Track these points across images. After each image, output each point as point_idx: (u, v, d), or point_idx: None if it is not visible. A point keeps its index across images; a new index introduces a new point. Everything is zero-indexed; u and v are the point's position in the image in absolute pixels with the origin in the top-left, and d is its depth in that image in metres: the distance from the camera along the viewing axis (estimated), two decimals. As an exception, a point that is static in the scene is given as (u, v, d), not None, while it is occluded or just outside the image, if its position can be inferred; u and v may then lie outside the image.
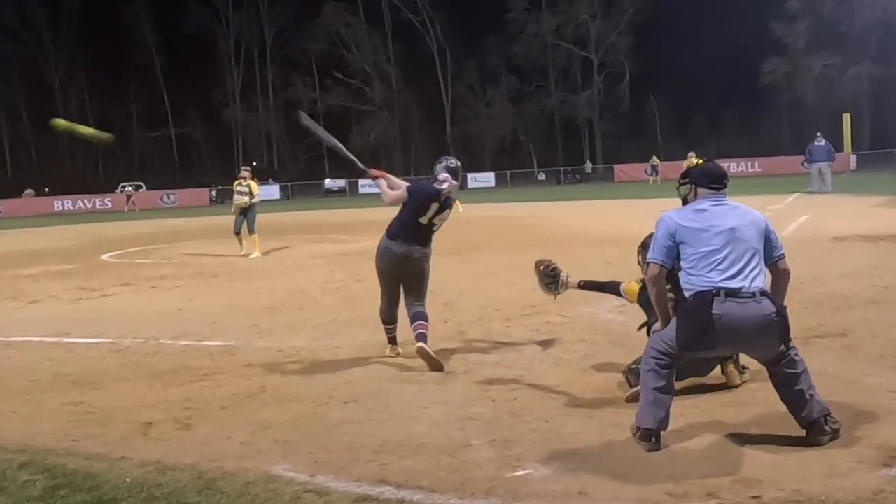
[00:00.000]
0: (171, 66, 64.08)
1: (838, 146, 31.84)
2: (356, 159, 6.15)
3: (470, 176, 51.80)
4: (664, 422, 3.78)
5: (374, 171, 6.15)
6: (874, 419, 4.04)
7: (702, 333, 3.68)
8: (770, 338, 3.72)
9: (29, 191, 52.11)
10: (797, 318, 5.89)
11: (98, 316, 8.63)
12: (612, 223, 17.53)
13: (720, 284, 3.71)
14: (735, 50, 52.06)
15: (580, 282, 5.49)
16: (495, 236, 15.16)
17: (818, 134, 25.37)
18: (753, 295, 3.69)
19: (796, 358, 3.82)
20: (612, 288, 5.27)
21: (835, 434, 3.73)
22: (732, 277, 3.72)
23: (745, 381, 4.71)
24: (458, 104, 66.17)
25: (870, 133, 51.24)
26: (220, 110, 65.73)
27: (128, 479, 3.60)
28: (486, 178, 54.98)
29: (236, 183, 14.70)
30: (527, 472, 3.60)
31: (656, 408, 3.77)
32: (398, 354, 5.99)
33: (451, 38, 62.88)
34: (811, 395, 3.78)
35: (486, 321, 7.20)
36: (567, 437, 4.02)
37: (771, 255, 3.90)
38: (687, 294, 3.89)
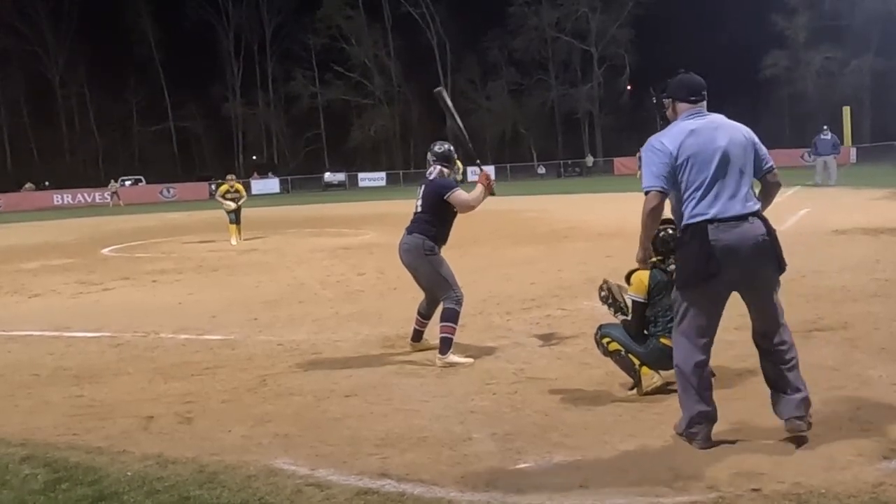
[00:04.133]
0: (171, 61, 63.87)
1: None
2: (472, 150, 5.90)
3: (470, 170, 51.56)
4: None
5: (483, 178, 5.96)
6: (875, 412, 4.04)
7: (703, 263, 3.57)
8: (766, 261, 3.65)
9: (29, 185, 52.06)
10: (798, 311, 5.91)
11: (98, 310, 8.63)
12: (612, 216, 17.51)
13: (716, 212, 3.59)
14: (735, 43, 51.91)
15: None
16: (495, 230, 15.16)
17: (825, 127, 25.49)
18: (746, 217, 3.61)
19: (788, 339, 3.72)
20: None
21: (808, 426, 3.64)
22: (729, 201, 3.61)
23: (657, 386, 4.50)
24: (458, 97, 65.77)
25: (870, 126, 51.15)
26: (220, 104, 65.62)
27: (129, 473, 3.61)
28: (487, 172, 54.84)
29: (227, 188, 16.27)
30: (527, 465, 3.60)
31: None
32: (415, 350, 5.96)
33: (451, 32, 62.69)
34: (804, 384, 3.71)
35: (487, 315, 7.19)
36: (568, 431, 4.02)
37: (760, 167, 3.79)
38: (682, 224, 3.73)
